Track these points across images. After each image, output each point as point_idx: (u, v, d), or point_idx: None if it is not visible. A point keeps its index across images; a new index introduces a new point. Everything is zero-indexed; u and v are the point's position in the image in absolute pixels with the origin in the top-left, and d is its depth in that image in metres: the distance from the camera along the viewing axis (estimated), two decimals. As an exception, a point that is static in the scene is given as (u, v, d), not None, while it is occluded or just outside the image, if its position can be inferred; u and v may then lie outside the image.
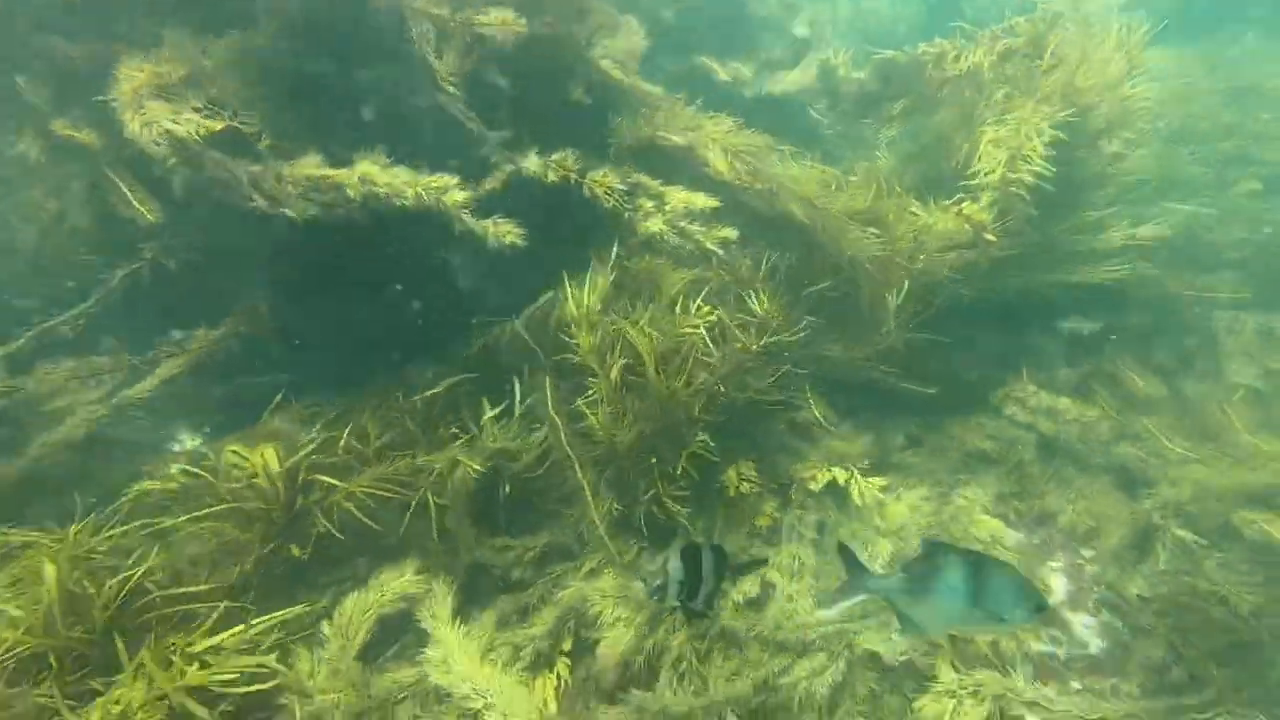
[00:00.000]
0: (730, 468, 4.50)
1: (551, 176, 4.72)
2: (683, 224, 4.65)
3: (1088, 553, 4.70)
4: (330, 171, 3.96)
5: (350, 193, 3.94)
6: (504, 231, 4.31)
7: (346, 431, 4.27)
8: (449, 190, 4.23)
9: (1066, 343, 5.57)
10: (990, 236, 4.86)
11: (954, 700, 3.58)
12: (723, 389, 4.37)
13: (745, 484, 4.36)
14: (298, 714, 3.38)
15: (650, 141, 4.91)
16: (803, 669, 3.83)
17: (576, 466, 4.06)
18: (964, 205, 4.97)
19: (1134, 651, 4.12)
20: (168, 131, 3.52)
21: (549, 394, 4.32)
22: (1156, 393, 5.17)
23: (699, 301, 4.53)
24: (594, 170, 4.79)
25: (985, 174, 4.91)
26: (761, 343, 4.47)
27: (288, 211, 3.88)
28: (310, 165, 3.96)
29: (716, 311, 4.52)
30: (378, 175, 3.98)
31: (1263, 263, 5.94)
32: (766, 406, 4.75)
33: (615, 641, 3.91)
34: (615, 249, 4.74)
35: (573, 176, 4.78)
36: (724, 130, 4.85)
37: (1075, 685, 3.99)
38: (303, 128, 4.31)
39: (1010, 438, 5.20)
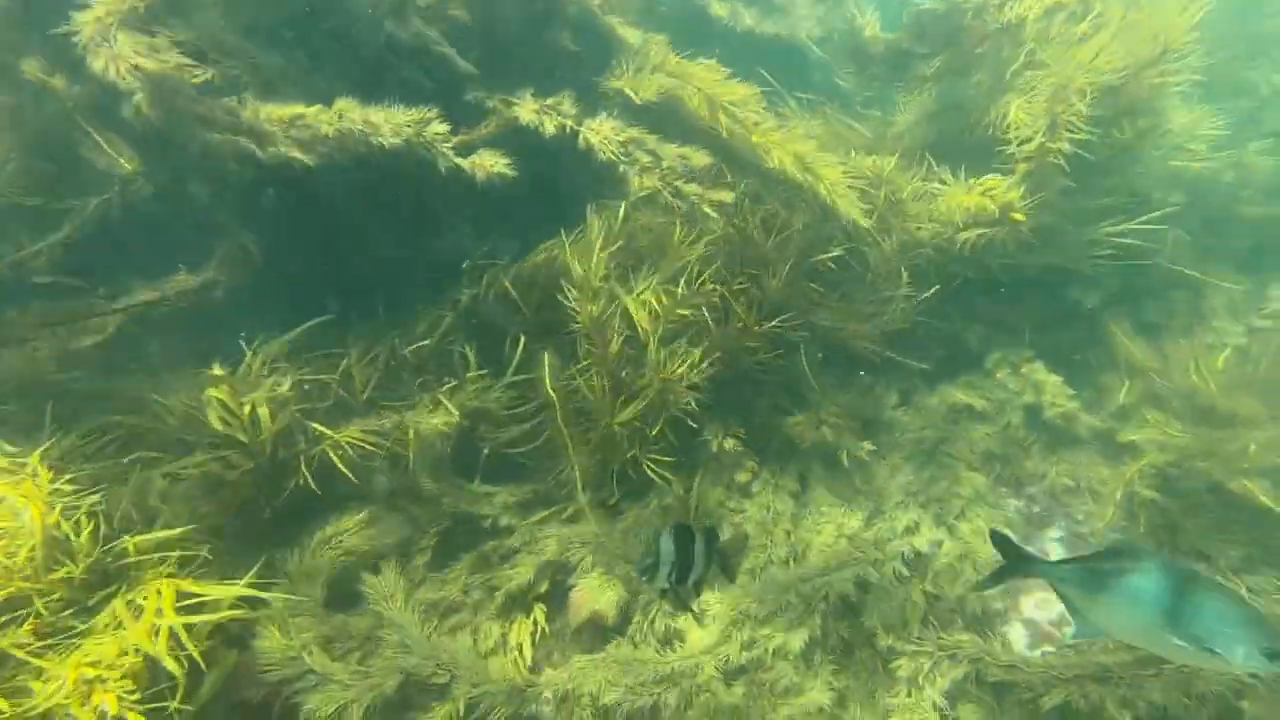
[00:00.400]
0: (716, 427, 4.43)
1: (549, 127, 4.53)
2: (679, 183, 4.48)
3: (1078, 515, 4.68)
4: (305, 109, 3.78)
5: (325, 129, 3.77)
6: (490, 164, 4.14)
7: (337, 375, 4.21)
8: (429, 123, 4.06)
9: (1068, 308, 5.42)
10: (1018, 216, 4.62)
11: (930, 660, 3.57)
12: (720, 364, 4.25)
13: (729, 441, 4.29)
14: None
15: (639, 89, 4.69)
16: (779, 622, 3.82)
17: (569, 444, 3.95)
18: (990, 182, 4.74)
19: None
20: (137, 67, 3.34)
21: (547, 370, 4.18)
22: (1145, 356, 5.04)
23: (707, 276, 4.29)
24: (590, 119, 4.60)
25: (1020, 144, 4.62)
26: (765, 327, 4.32)
27: (267, 152, 3.73)
28: (287, 107, 3.79)
29: (720, 288, 4.33)
30: (354, 112, 3.80)
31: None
32: (761, 373, 4.65)
33: (590, 587, 3.93)
34: (624, 206, 4.53)
35: (569, 125, 4.59)
36: (716, 79, 4.61)
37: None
38: (281, 71, 4.13)
39: (1000, 400, 5.10)
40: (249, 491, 3.74)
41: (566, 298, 4.11)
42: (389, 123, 4.01)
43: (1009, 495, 4.81)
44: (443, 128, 4.09)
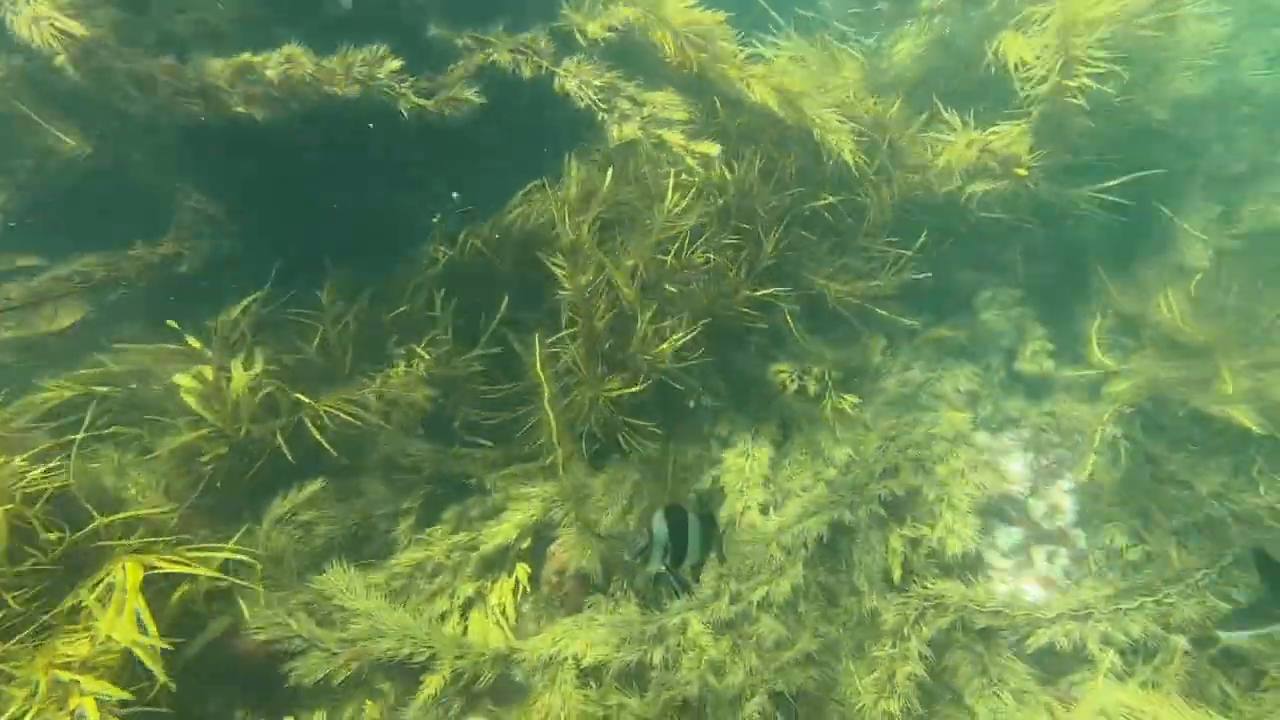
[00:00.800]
0: (695, 381, 4.31)
1: (526, 71, 4.26)
2: (661, 132, 4.22)
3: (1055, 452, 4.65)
4: (252, 57, 3.53)
5: (270, 74, 3.51)
6: (454, 98, 3.90)
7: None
8: (383, 61, 3.80)
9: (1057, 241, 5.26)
10: (1021, 171, 4.33)
11: (915, 611, 3.56)
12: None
13: (706, 397, 4.18)
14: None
15: (598, 24, 4.37)
16: (763, 572, 3.78)
17: (552, 417, 3.82)
18: (990, 136, 4.44)
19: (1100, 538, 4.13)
20: (60, 30, 3.07)
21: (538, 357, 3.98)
22: (1122, 292, 4.91)
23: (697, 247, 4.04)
24: (567, 60, 4.32)
25: (1032, 86, 4.27)
26: (757, 293, 4.12)
27: (216, 110, 3.49)
28: (233, 59, 3.53)
29: (712, 257, 4.09)
30: (304, 58, 3.56)
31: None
32: (745, 329, 4.49)
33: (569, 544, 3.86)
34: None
35: (545, 66, 4.32)
36: (684, 6, 4.23)
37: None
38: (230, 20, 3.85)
39: (985, 337, 5.02)
40: (226, 465, 3.63)
41: (546, 254, 3.94)
42: (343, 65, 3.76)
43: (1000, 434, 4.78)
44: (397, 63, 3.82)
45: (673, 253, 3.80)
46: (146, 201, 4.05)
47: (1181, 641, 3.60)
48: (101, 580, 2.94)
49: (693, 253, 3.82)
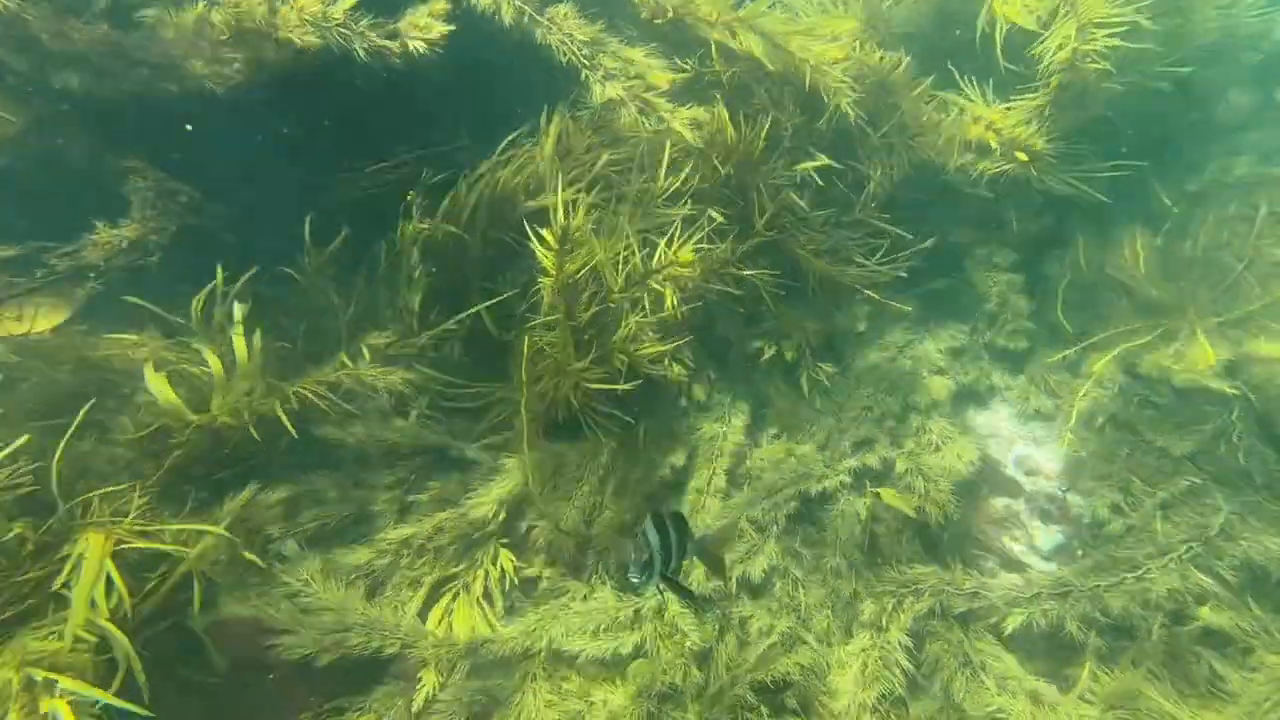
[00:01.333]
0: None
1: (507, 12, 3.92)
2: (647, 95, 3.92)
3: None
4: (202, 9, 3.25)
5: (218, 20, 3.22)
6: (421, 25, 3.61)
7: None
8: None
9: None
10: (1022, 155, 4.00)
11: (893, 599, 3.49)
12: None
13: (676, 367, 4.01)
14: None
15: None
16: (737, 549, 3.71)
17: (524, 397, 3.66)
18: (994, 114, 4.10)
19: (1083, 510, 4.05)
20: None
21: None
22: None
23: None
24: (551, 6, 3.97)
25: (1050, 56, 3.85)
26: (745, 272, 3.89)
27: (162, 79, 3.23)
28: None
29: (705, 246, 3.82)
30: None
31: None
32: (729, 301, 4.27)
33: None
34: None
35: (528, 12, 3.99)
36: None
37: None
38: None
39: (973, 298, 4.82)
40: (198, 452, 3.51)
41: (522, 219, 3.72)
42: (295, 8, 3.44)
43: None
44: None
45: (661, 245, 3.57)
46: (91, 184, 3.79)
47: (1160, 618, 3.56)
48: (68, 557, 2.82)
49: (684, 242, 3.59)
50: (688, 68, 4.24)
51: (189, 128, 3.67)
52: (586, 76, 4.03)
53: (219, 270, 3.67)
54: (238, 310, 3.57)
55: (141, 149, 3.74)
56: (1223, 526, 3.68)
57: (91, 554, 2.82)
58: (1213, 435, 3.94)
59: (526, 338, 3.39)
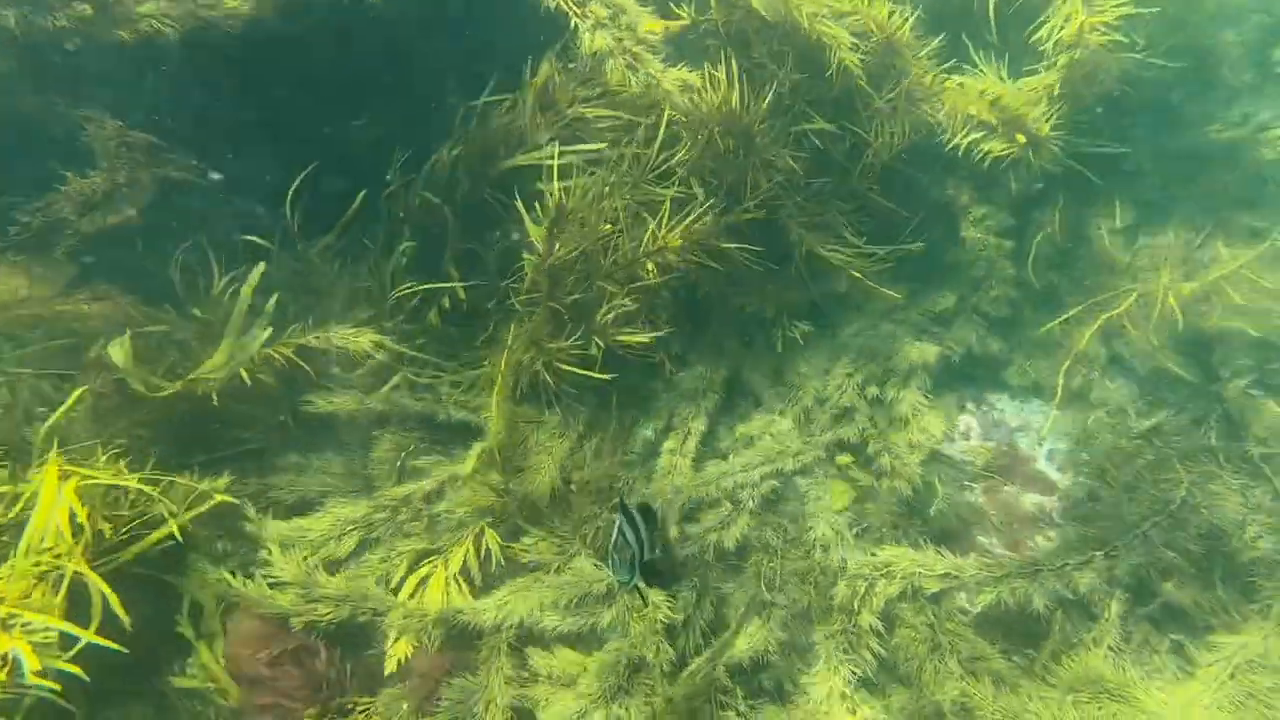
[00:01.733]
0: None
1: None
2: (637, 50, 3.67)
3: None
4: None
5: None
6: None
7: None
8: None
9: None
10: (1021, 138, 3.77)
11: (865, 583, 3.47)
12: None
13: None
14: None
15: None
16: (710, 518, 3.71)
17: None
18: (1000, 91, 3.85)
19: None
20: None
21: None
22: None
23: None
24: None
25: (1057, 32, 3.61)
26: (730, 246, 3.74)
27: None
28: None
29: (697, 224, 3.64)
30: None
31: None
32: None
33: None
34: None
35: None
36: None
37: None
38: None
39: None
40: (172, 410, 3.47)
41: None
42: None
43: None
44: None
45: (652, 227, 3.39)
46: (49, 136, 3.60)
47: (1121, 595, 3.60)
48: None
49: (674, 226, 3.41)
50: (684, 14, 3.96)
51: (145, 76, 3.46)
52: (576, 24, 3.76)
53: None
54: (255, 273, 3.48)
55: (97, 97, 3.52)
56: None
57: (48, 485, 2.75)
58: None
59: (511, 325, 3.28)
